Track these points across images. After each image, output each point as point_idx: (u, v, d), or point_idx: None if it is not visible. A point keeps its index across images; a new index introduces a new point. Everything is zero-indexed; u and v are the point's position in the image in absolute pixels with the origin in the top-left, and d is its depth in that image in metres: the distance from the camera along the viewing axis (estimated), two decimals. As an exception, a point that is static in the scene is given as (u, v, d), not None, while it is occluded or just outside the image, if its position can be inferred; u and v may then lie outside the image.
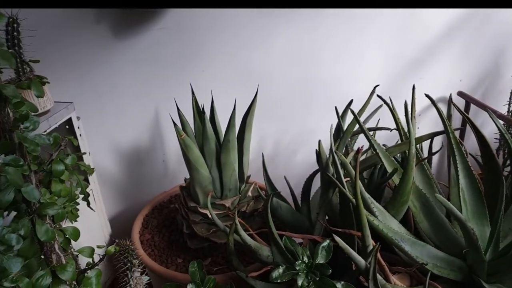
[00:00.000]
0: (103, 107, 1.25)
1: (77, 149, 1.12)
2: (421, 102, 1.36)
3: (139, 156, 1.37)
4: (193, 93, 1.07)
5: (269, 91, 1.27)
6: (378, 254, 0.75)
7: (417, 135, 0.95)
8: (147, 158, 1.37)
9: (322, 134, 1.05)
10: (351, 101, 1.05)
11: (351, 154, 0.97)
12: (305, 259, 0.78)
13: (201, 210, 1.07)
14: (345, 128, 1.04)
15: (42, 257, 0.72)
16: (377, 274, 0.74)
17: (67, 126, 1.10)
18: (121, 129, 1.31)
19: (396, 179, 0.89)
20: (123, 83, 1.22)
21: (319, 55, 1.24)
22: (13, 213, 0.69)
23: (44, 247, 0.71)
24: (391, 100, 0.99)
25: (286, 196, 1.09)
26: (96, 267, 0.79)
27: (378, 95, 1.02)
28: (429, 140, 1.04)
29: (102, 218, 1.30)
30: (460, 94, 1.42)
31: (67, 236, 0.76)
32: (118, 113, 1.28)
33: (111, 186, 1.41)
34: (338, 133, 1.06)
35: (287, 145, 1.39)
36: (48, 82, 0.99)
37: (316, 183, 1.05)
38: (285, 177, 1.13)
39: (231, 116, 1.00)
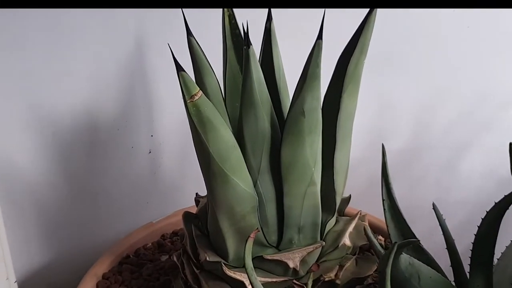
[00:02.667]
0: (14, 28, 1.25)
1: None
2: None
3: (94, 142, 1.36)
4: (224, -5, 0.99)
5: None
6: None
7: None
8: (112, 146, 1.37)
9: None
10: None
11: None
12: None
13: (230, 273, 1.00)
14: None
15: None
16: None
17: None
18: (56, 77, 1.29)
19: None
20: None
21: None
22: None
23: None
24: None
25: (434, 252, 1.03)
26: None
27: None
28: None
29: (4, 277, 1.27)
30: None
31: None
32: (49, 41, 1.26)
33: (27, 205, 1.40)
34: None
35: (444, 132, 1.39)
36: None
37: (509, 223, 1.00)
38: (434, 206, 1.04)
39: (311, 56, 0.90)
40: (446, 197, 1.25)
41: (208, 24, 1.10)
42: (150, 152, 1.40)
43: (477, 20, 1.33)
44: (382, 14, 1.03)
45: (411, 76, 1.37)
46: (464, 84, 1.37)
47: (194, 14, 1.09)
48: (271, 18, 1.02)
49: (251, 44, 0.91)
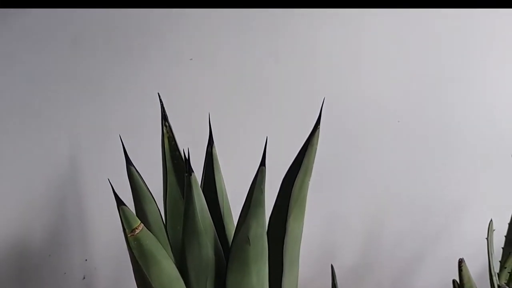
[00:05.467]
0: None
1: None
2: None
3: (23, 270, 1.33)
4: (165, 118, 1.00)
5: (348, 116, 1.31)
6: None
7: None
8: (43, 274, 1.34)
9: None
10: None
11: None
12: None
13: None
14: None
15: None
16: None
17: None
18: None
19: None
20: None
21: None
22: None
23: None
24: None
25: None
26: None
27: None
28: None
29: None
30: None
31: None
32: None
33: None
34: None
35: (395, 244, 1.40)
36: None
37: None
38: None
39: (254, 182, 0.90)
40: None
41: (147, 142, 1.11)
42: (84, 278, 1.34)
43: (427, 119, 1.35)
44: (324, 128, 1.02)
45: (356, 188, 1.37)
46: (410, 192, 1.38)
47: (133, 136, 1.09)
48: (213, 142, 1.01)
49: (193, 171, 0.91)
